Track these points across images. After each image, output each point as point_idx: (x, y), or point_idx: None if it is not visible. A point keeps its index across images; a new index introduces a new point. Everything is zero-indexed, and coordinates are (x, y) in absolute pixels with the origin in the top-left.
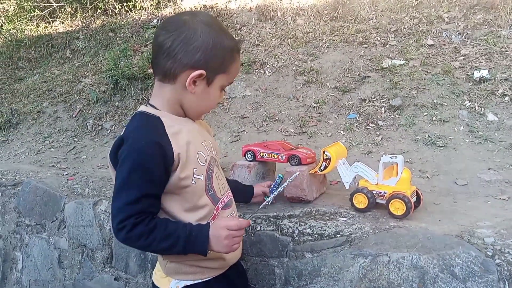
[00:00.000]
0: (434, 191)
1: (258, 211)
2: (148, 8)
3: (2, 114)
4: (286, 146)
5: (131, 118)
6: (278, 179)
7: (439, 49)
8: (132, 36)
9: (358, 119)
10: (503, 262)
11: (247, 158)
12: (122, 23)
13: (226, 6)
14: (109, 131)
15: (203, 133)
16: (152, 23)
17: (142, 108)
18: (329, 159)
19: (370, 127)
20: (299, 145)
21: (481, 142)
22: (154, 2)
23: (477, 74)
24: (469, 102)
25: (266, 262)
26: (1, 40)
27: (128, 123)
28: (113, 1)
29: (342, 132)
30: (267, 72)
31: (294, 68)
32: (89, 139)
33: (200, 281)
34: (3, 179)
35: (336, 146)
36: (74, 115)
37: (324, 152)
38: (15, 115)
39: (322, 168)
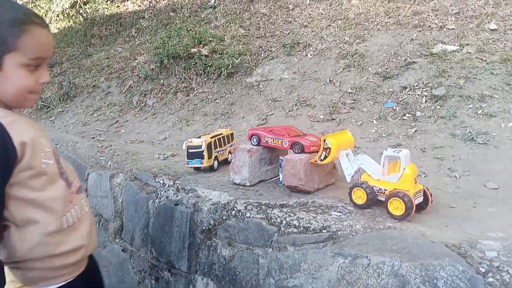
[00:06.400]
0: (457, 192)
1: None
2: None
3: (62, 87)
4: (292, 132)
5: None
6: (280, 162)
7: (502, 34)
8: (190, 16)
9: (395, 108)
10: (497, 281)
11: (252, 142)
12: (185, 2)
13: None
14: (150, 107)
15: (35, 125)
16: (209, 3)
17: None
18: (329, 149)
19: (406, 118)
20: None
21: None
22: None
23: None
24: None
25: (251, 250)
26: (79, 20)
27: None
28: None
29: (374, 121)
30: (309, 55)
31: (337, 51)
32: (132, 115)
33: (64, 283)
34: None
35: (340, 135)
36: (123, 91)
37: (324, 140)
38: (73, 88)
39: (322, 157)
